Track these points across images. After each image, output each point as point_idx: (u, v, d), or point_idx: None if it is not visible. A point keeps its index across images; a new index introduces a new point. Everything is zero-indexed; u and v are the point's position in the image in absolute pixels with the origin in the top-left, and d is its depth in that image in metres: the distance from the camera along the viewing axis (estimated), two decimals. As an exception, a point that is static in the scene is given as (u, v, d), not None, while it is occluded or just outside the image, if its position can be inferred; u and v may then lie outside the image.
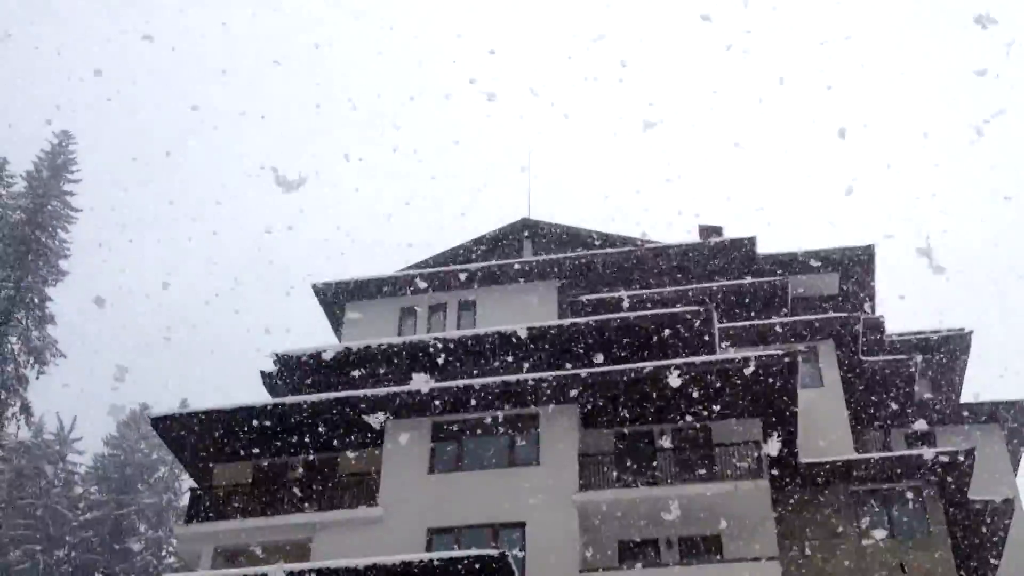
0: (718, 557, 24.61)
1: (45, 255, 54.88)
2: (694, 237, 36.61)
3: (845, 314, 32.32)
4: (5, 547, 52.73)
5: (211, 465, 28.83)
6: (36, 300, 54.32)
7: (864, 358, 32.21)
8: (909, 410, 32.62)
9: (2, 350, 52.65)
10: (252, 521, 26.63)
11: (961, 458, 26.70)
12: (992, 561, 28.75)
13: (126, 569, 53.23)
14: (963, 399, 35.06)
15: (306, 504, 26.82)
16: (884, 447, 31.52)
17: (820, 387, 30.62)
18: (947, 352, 35.52)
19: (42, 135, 57.38)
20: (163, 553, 54.94)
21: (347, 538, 25.32)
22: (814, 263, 35.27)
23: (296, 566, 22.40)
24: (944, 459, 26.85)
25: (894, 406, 32.44)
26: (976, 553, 28.23)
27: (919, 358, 33.16)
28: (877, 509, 27.05)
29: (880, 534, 26.49)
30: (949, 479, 26.94)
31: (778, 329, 31.50)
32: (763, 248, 35.39)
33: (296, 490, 27.22)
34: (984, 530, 27.88)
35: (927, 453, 27.35)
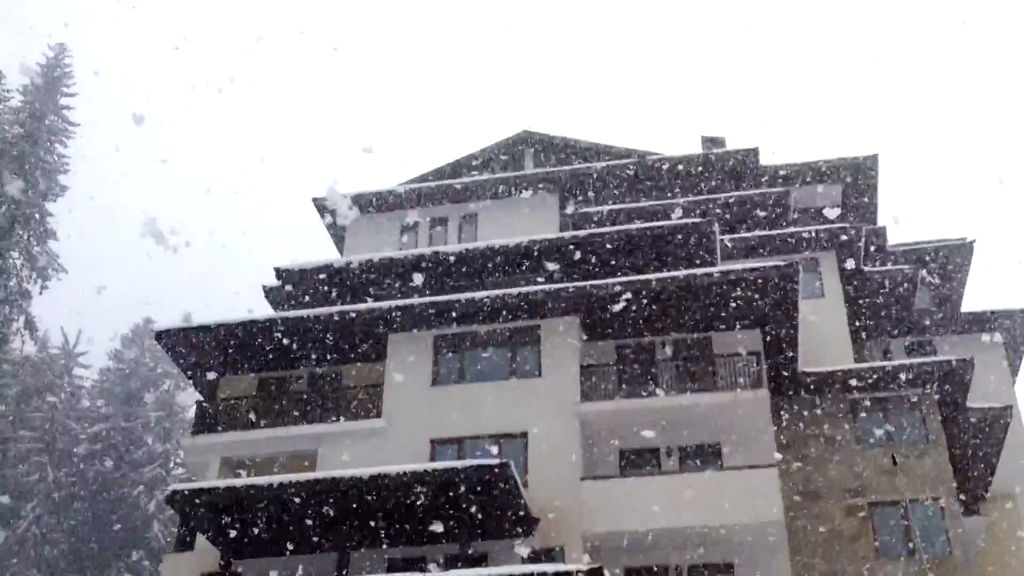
0: (718, 465, 24.94)
1: (45, 169, 54.66)
2: (697, 149, 36.41)
3: (847, 225, 32.28)
4: (13, 461, 53.48)
5: (216, 378, 29.07)
6: (37, 215, 54.28)
7: (866, 268, 32.27)
8: (909, 320, 32.79)
9: (4, 265, 52.75)
10: (258, 433, 26.95)
11: (959, 367, 26.91)
12: (988, 468, 29.17)
13: (135, 480, 54.02)
14: (964, 308, 35.18)
15: (311, 416, 27.10)
16: (884, 357, 31.74)
17: (821, 298, 30.74)
18: (949, 262, 35.54)
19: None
20: (171, 465, 55.72)
21: (352, 449, 25.63)
22: (817, 174, 35.11)
23: (302, 476, 22.70)
24: (942, 368, 27.07)
25: (895, 316, 32.58)
26: (973, 460, 28.61)
27: (921, 268, 33.22)
28: (875, 418, 27.35)
29: (878, 442, 26.86)
30: (947, 388, 27.19)
31: (779, 240, 31.50)
32: (766, 159, 35.21)
33: (301, 402, 27.50)
34: (981, 437, 28.23)
35: (926, 362, 27.57)
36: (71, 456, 55.13)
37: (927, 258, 35.34)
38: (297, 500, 22.46)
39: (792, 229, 32.06)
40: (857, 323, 31.83)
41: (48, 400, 56.18)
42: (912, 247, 35.73)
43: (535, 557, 23.10)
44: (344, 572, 22.74)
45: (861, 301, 32.00)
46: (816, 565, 25.23)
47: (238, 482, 23.16)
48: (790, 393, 27.38)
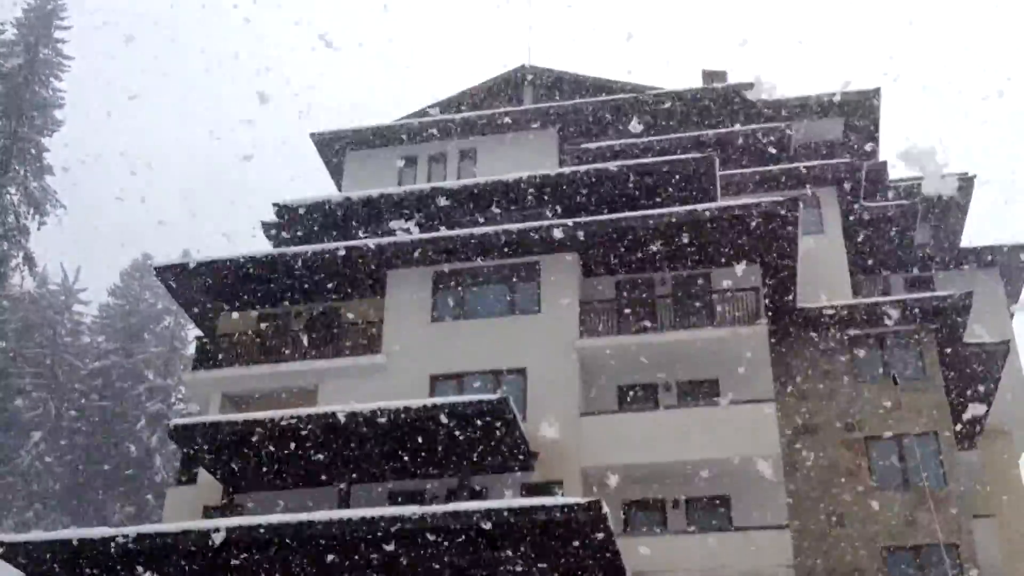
0: (715, 400, 25.09)
1: (40, 104, 54.27)
2: (698, 84, 36.09)
3: (848, 160, 32.14)
4: (15, 396, 53.79)
5: (216, 314, 29.14)
6: (33, 150, 54.00)
7: (866, 204, 32.19)
8: (909, 256, 32.78)
9: (2, 201, 52.61)
10: (258, 368, 27.06)
11: (957, 302, 26.97)
12: (985, 403, 29.36)
13: (137, 416, 54.39)
14: (964, 244, 35.16)
15: (311, 352, 27.19)
16: (883, 293, 31.77)
17: (821, 233, 30.70)
18: (949, 197, 35.40)
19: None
20: (172, 400, 56.07)
21: (352, 385, 25.75)
22: (818, 108, 34.84)
23: (302, 411, 22.84)
24: (940, 303, 27.13)
25: (894, 252, 32.57)
26: (970, 395, 28.80)
27: (920, 204, 33.13)
28: (873, 353, 27.46)
29: (875, 377, 27.02)
30: (945, 323, 27.27)
31: (780, 176, 31.37)
32: (768, 94, 34.89)
33: (301, 338, 27.58)
34: (978, 372, 28.39)
35: (923, 297, 27.63)
36: (72, 391, 55.45)
37: (927, 193, 35.18)
38: (298, 435, 22.63)
39: (792, 164, 31.91)
40: (856, 259, 31.83)
41: (48, 336, 56.35)
42: (912, 182, 35.58)
43: (534, 490, 23.36)
44: (345, 505, 22.98)
45: (861, 237, 31.96)
46: (812, 498, 25.51)
47: (239, 417, 23.32)
48: (788, 329, 27.46)
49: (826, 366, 27.27)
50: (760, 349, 25.32)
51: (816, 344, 27.51)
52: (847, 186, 31.50)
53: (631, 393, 25.98)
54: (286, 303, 28.70)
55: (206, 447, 23.50)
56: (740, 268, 26.34)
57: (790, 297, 27.10)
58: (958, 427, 28.08)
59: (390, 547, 18.67)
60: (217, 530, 18.75)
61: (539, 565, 18.26)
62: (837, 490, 25.61)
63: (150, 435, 53.45)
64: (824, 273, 29.46)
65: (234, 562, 19.13)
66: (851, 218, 31.80)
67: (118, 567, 19.47)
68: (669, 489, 24.17)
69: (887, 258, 32.70)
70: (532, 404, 24.83)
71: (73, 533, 19.57)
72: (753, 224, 25.72)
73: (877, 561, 24.66)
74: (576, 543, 18.76)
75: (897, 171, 35.13)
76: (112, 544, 19.03)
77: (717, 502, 24.17)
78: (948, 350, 27.58)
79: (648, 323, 26.01)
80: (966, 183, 35.31)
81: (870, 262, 32.42)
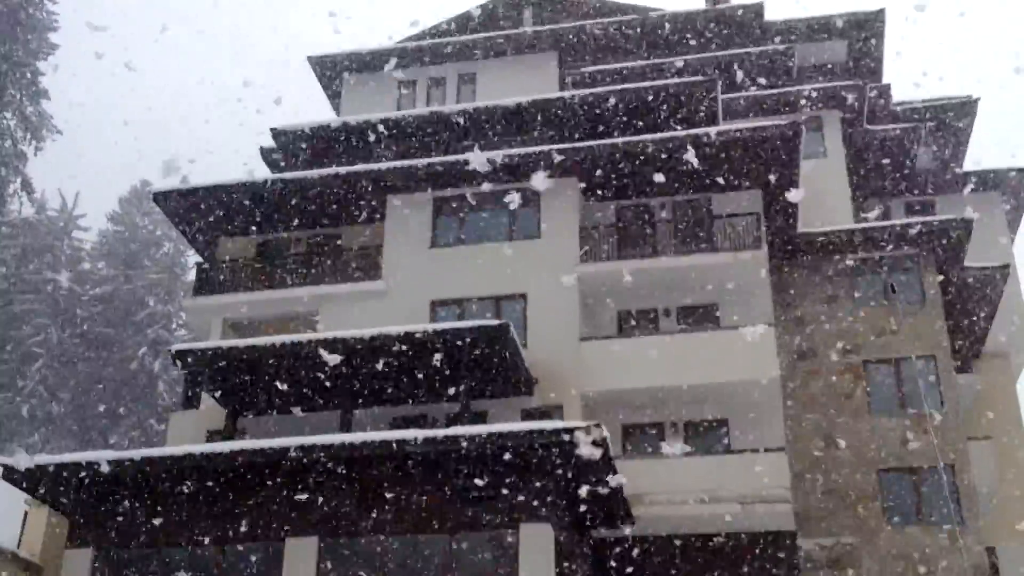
0: (715, 325, 25.16)
1: (34, 27, 53.53)
2: (700, 6, 35.60)
3: (851, 83, 31.81)
4: (17, 322, 53.95)
5: (215, 240, 29.09)
6: (28, 74, 53.41)
7: (869, 127, 31.94)
8: (911, 179, 32.62)
9: (-2, 126, 52.24)
10: (258, 294, 27.09)
11: (958, 226, 26.90)
12: (984, 326, 29.46)
13: (139, 342, 54.62)
14: (966, 168, 34.96)
15: (311, 278, 27.20)
16: (884, 217, 31.68)
17: (823, 157, 30.53)
18: (952, 120, 35.14)
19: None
20: (173, 326, 56.23)
21: (352, 311, 25.82)
22: (822, 30, 34.38)
23: (303, 336, 22.92)
24: (941, 227, 27.07)
25: (896, 176, 32.41)
26: (969, 319, 28.89)
27: (923, 127, 32.87)
28: (873, 277, 27.48)
29: (875, 301, 27.07)
30: (945, 247, 27.24)
31: (782, 99, 31.09)
32: (771, 15, 34.44)
33: (300, 264, 27.57)
34: (977, 296, 28.43)
35: (924, 221, 27.56)
36: (73, 318, 55.58)
37: (931, 115, 34.91)
38: (299, 360, 22.73)
39: (795, 87, 31.60)
40: (858, 183, 31.68)
41: (48, 262, 56.35)
42: (916, 105, 35.27)
43: (534, 415, 23.54)
44: (347, 430, 23.18)
45: (863, 161, 31.78)
46: (810, 421, 25.74)
47: (241, 342, 23.41)
48: (789, 254, 27.45)
49: (826, 290, 27.31)
50: (760, 274, 25.31)
51: (816, 268, 27.52)
52: (850, 109, 31.23)
53: (631, 318, 26.04)
54: (285, 229, 28.62)
55: (208, 372, 23.63)
56: (741, 193, 26.23)
57: (791, 222, 27.02)
58: (956, 353, 28.23)
59: (392, 471, 18.86)
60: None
61: (539, 490, 18.44)
62: (835, 413, 25.82)
63: (152, 361, 53.73)
64: (826, 197, 29.34)
65: (237, 485, 19.34)
66: (854, 142, 31.57)
67: (122, 491, 19.69)
68: (668, 413, 24.34)
69: (889, 182, 32.55)
70: (532, 329, 24.90)
71: (78, 456, 19.76)
72: (755, 148, 25.53)
73: (873, 483, 24.95)
74: (576, 466, 18.93)
75: (902, 92, 34.83)
76: (116, 467, 19.22)
77: (715, 425, 24.36)
78: (948, 274, 27.58)
79: (648, 249, 25.96)
80: (969, 106, 35.00)
81: (873, 184, 32.27)
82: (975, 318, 29.03)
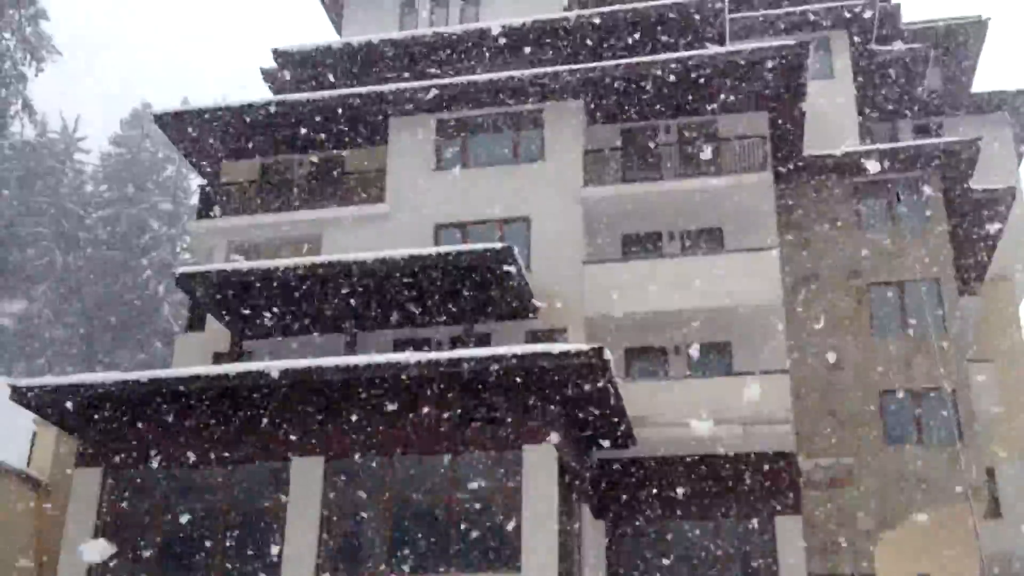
0: (719, 248, 25.12)
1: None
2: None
3: (860, 1, 31.31)
4: (22, 245, 54.02)
5: (218, 163, 28.95)
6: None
7: (877, 48, 31.53)
8: (919, 101, 32.31)
9: (-3, 47, 51.72)
10: (262, 217, 27.04)
11: (964, 148, 26.70)
12: (988, 249, 29.42)
13: (144, 265, 54.73)
14: (975, 89, 34.61)
15: (314, 201, 27.12)
16: (891, 139, 31.46)
17: (830, 79, 30.17)
18: (961, 41, 34.69)
19: None
20: (177, 250, 56.33)
21: (356, 234, 25.80)
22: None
23: (307, 259, 22.93)
24: (947, 149, 26.88)
25: (904, 97, 32.09)
26: (973, 241, 28.84)
27: (932, 48, 32.46)
28: (878, 200, 27.38)
29: (880, 224, 27.01)
30: (951, 169, 27.07)
31: (790, 19, 30.66)
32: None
33: (304, 187, 27.48)
34: (983, 218, 28.34)
35: (931, 143, 27.36)
36: (78, 241, 55.65)
37: (940, 36, 34.45)
38: (304, 283, 22.79)
39: (803, 7, 31.13)
40: (865, 104, 31.38)
41: (51, 185, 56.22)
42: (925, 25, 34.78)
43: (537, 338, 23.64)
44: (352, 352, 23.31)
45: (871, 82, 31.43)
46: (812, 344, 25.83)
47: (245, 265, 23.43)
48: (794, 176, 27.30)
49: (831, 213, 27.22)
50: (765, 197, 25.21)
51: (821, 191, 27.40)
52: (859, 29, 30.79)
53: (635, 242, 26.01)
54: (288, 152, 28.46)
55: (213, 295, 23.70)
56: (747, 115, 26.00)
57: (797, 144, 26.82)
58: (960, 276, 28.23)
59: (396, 393, 19.01)
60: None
61: (543, 412, 18.59)
62: (838, 336, 25.91)
63: (157, 284, 53.92)
64: (832, 119, 29.10)
65: (244, 406, 19.51)
66: (861, 63, 31.20)
67: (129, 411, 19.88)
68: (671, 336, 24.42)
69: (897, 103, 32.25)
70: (536, 253, 24.89)
71: (84, 378, 19.91)
72: (761, 69, 25.22)
73: (875, 405, 25.13)
74: (579, 389, 19.07)
75: (911, 12, 34.30)
76: (123, 389, 19.38)
77: (718, 348, 24.46)
78: (953, 196, 27.47)
79: (653, 172, 25.82)
80: (979, 27, 34.53)
81: (880, 105, 31.97)
82: (980, 241, 28.97)
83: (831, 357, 25.66)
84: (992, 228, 28.67)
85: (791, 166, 27.14)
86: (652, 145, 26.49)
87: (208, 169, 29.65)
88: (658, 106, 26.38)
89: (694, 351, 23.75)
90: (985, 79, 46.91)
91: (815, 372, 25.55)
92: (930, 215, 26.86)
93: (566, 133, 26.12)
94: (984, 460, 25.31)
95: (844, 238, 26.90)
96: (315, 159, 28.32)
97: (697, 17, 27.76)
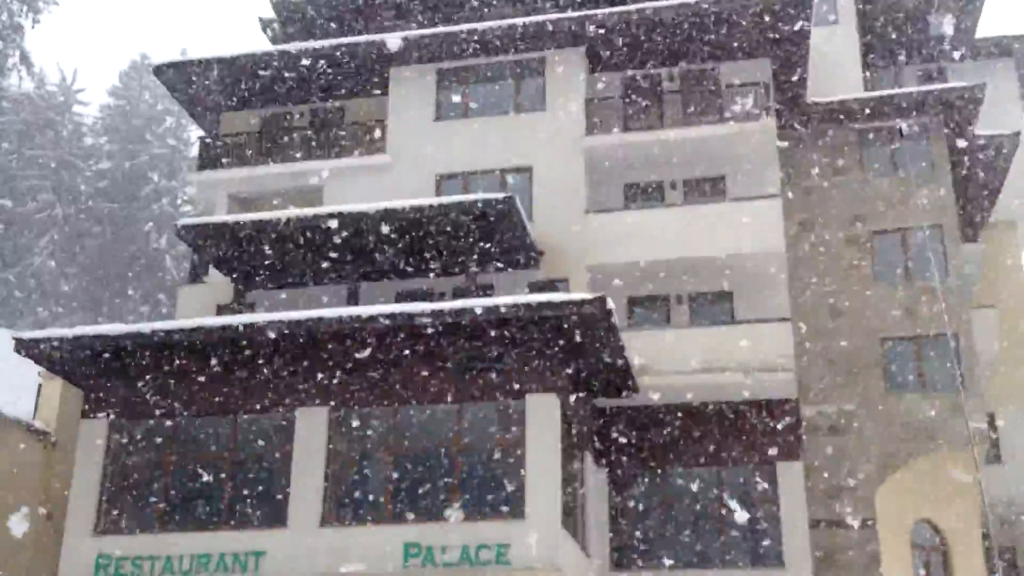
0: (722, 197, 25.05)
1: None
2: None
3: (863, -55, 30.95)
4: (22, 198, 53.93)
5: (218, 114, 28.81)
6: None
7: (881, -8, 31.20)
8: (923, 46, 32.01)
9: (-8, -1, 51.28)
10: (263, 169, 26.96)
11: (968, 93, 26.51)
12: (991, 196, 29.34)
13: (145, 218, 54.67)
14: (979, 35, 34.24)
15: (315, 152, 27.01)
16: (895, 85, 31.21)
17: (834, 24, 29.89)
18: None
19: None
20: (178, 202, 56.23)
21: (358, 185, 25.73)
22: None
23: (309, 211, 22.90)
24: (951, 95, 26.70)
25: (908, 42, 31.78)
26: (976, 187, 28.74)
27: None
28: (882, 147, 27.25)
29: (883, 171, 26.91)
30: (955, 115, 26.90)
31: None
32: None
33: (304, 139, 27.35)
34: (986, 165, 28.22)
35: (934, 89, 27.16)
36: (78, 194, 55.55)
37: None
38: (306, 235, 22.77)
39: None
40: (869, 50, 31.09)
41: (51, 137, 56.00)
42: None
43: (540, 288, 23.65)
44: (354, 303, 23.36)
45: (874, 27, 31.12)
46: (814, 292, 25.84)
47: (247, 216, 23.41)
48: (797, 124, 27.14)
49: (833, 161, 27.11)
50: (767, 145, 25.06)
51: (825, 138, 27.26)
52: (862, -28, 30.46)
53: (637, 191, 25.93)
54: (288, 103, 28.31)
55: (215, 247, 23.70)
56: (749, 62, 25.81)
57: (800, 91, 26.64)
58: (963, 222, 28.17)
59: (399, 343, 19.07)
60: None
61: (546, 360, 18.67)
62: (840, 284, 25.93)
63: (159, 236, 53.91)
64: (836, 65, 28.88)
65: (248, 357, 19.59)
66: (865, 7, 30.87)
67: (134, 363, 19.97)
68: (673, 285, 24.42)
69: (901, 49, 31.94)
70: (538, 203, 24.83)
71: (88, 329, 19.98)
72: (763, 15, 24.97)
73: (877, 352, 25.19)
74: (582, 338, 19.13)
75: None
76: (128, 340, 19.46)
77: (720, 297, 24.48)
78: (957, 143, 27.32)
79: (655, 120, 25.67)
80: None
81: (884, 51, 31.68)
82: (983, 187, 28.87)
83: (833, 305, 25.69)
84: (996, 174, 28.57)
85: (794, 113, 26.97)
86: (654, 93, 26.31)
87: (208, 120, 29.51)
88: (660, 53, 26.16)
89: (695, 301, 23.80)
90: (990, 24, 46.49)
91: (817, 320, 25.59)
92: (934, 161, 26.73)
93: (568, 82, 25.95)
94: (986, 405, 25.43)
95: (847, 185, 26.80)
96: (315, 110, 28.17)
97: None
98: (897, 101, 26.84)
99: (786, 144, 26.57)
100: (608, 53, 26.21)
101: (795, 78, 26.24)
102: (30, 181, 54.12)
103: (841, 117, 27.11)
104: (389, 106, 26.88)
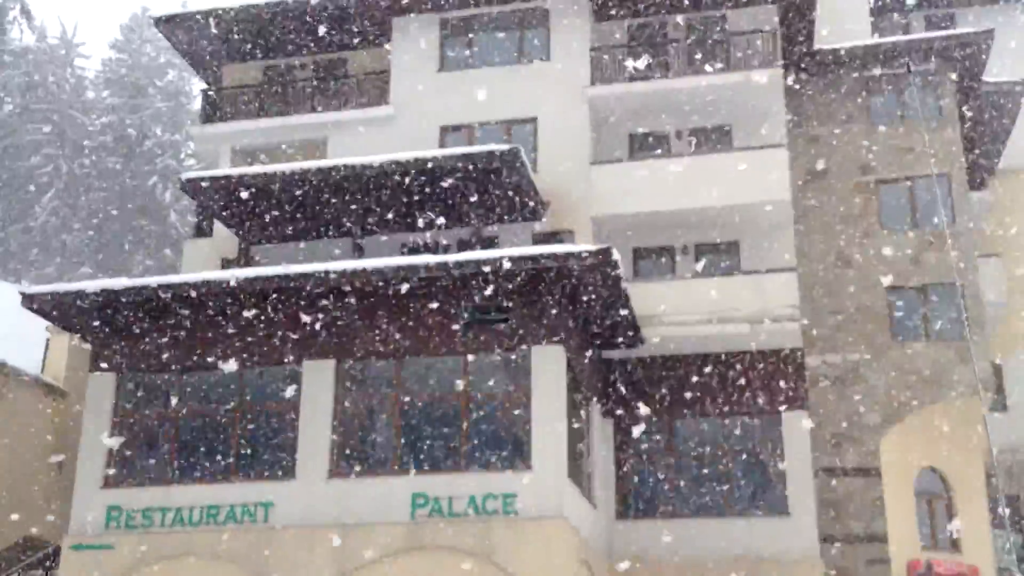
0: (728, 146, 24.89)
1: None
2: None
3: None
4: (25, 153, 53.80)
5: (220, 67, 28.63)
6: None
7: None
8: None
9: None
10: (266, 121, 26.84)
11: (977, 39, 26.26)
12: (999, 143, 29.17)
13: (148, 172, 54.53)
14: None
15: (319, 104, 26.87)
16: (904, 31, 30.90)
17: (842, -31, 29.55)
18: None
19: None
20: (182, 156, 56.04)
21: (361, 137, 25.62)
22: None
23: (313, 163, 22.80)
24: (960, 41, 26.45)
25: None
26: (985, 135, 28.56)
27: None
28: (889, 94, 27.03)
29: (890, 119, 26.72)
30: (964, 61, 26.67)
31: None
32: None
33: (307, 90, 27.19)
34: (995, 112, 28.04)
35: (943, 35, 26.89)
36: (82, 148, 55.38)
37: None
38: (310, 187, 22.70)
39: None
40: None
41: (53, 91, 55.73)
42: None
43: (544, 239, 23.61)
44: (359, 256, 23.35)
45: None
46: (820, 241, 25.79)
47: (251, 170, 23.32)
48: (805, 71, 26.92)
49: (841, 109, 26.91)
50: (774, 94, 24.84)
51: (832, 86, 27.04)
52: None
53: (643, 141, 25.78)
54: (290, 55, 28.12)
55: (220, 201, 23.64)
56: (756, 9, 25.54)
57: (807, 38, 26.37)
58: (970, 170, 28.01)
59: (405, 296, 19.08)
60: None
61: (551, 312, 18.67)
62: (846, 233, 25.86)
63: (163, 191, 53.80)
64: (843, 11, 28.64)
65: (252, 311, 19.61)
66: (873, -47, 30.52)
67: (141, 317, 20.01)
68: (679, 236, 24.37)
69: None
70: (543, 154, 24.71)
71: (95, 284, 19.97)
72: (770, -39, 24.68)
73: (882, 301, 25.18)
74: (587, 289, 19.12)
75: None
76: (134, 294, 19.48)
77: (726, 248, 24.43)
78: (966, 90, 27.10)
79: (661, 69, 25.45)
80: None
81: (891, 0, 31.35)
82: (992, 134, 28.68)
83: (839, 254, 25.64)
84: (1004, 121, 28.37)
85: (802, 61, 26.74)
86: (660, 42, 26.06)
87: (210, 73, 29.33)
88: (666, 1, 25.86)
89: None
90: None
91: (823, 269, 25.56)
92: (942, 108, 26.53)
93: (572, 31, 25.71)
94: (991, 353, 25.46)
95: (854, 134, 26.63)
96: (318, 62, 27.97)
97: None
98: (905, 48, 26.58)
99: (793, 93, 26.39)
100: (613, 1, 25.92)
101: (802, 25, 25.96)
102: (33, 136, 53.97)
103: (848, 65, 26.86)
104: (392, 57, 26.69)
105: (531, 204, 23.42)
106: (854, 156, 26.46)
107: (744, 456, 22.43)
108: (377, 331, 19.20)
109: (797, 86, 26.76)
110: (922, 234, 25.46)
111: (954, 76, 26.74)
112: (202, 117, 27.98)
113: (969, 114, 27.51)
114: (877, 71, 26.83)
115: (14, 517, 23.34)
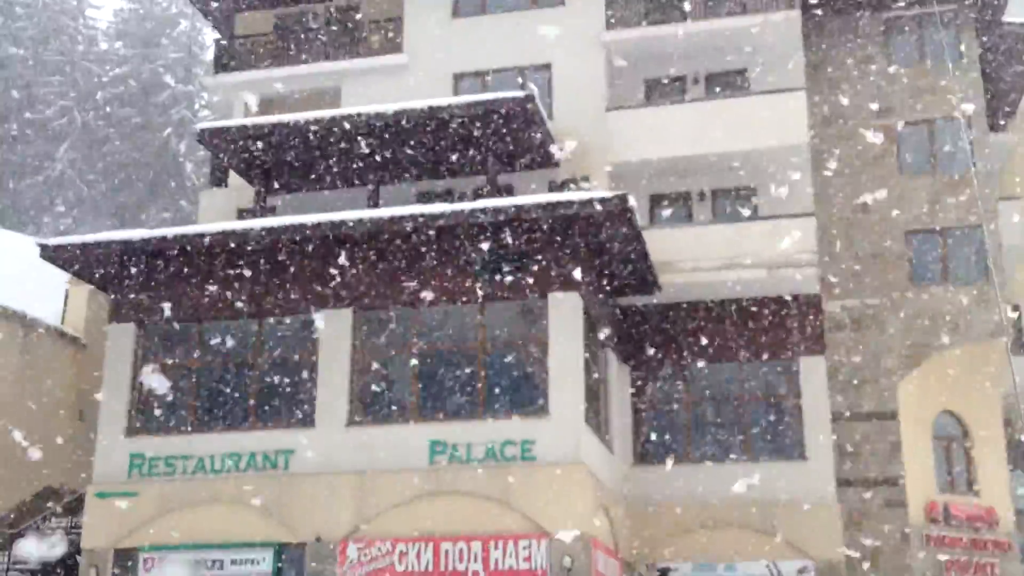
0: (745, 91, 24.64)
1: None
2: None
3: None
4: (39, 105, 53.76)
5: (232, 16, 28.44)
6: None
7: None
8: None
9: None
10: (280, 71, 26.69)
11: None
12: (1020, 84, 28.78)
13: (163, 123, 54.47)
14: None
15: (332, 53, 26.67)
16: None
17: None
18: None
19: None
20: (196, 107, 55.89)
21: (375, 86, 25.46)
22: None
23: (327, 112, 22.68)
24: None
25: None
26: (1005, 77, 28.18)
27: None
28: (909, 36, 26.67)
29: (910, 61, 26.38)
30: (985, 2, 26.25)
31: None
32: None
33: (320, 39, 27.00)
34: (1016, 54, 27.62)
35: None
36: (96, 100, 55.30)
37: None
38: (324, 137, 22.61)
39: None
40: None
41: (65, 43, 55.56)
42: None
43: (560, 186, 23.52)
44: (375, 205, 23.31)
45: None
46: (838, 186, 25.59)
47: (266, 119, 23.19)
48: (821, 14, 26.54)
49: (859, 52, 26.56)
50: (791, 37, 24.53)
51: (850, 29, 26.68)
52: None
53: (659, 87, 25.53)
54: (303, 2, 27.88)
55: (235, 151, 23.56)
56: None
57: (825, -20, 26.01)
58: (990, 112, 27.69)
59: (421, 244, 19.08)
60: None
61: (567, 259, 18.64)
62: (864, 177, 25.65)
63: (178, 141, 53.77)
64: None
65: (271, 260, 19.67)
66: None
67: (160, 267, 20.10)
68: (695, 182, 24.23)
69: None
70: (558, 100, 24.55)
71: (112, 235, 20.06)
72: (788, -99, 24.25)
73: (901, 245, 25.06)
74: (603, 236, 19.07)
75: None
76: (152, 244, 19.55)
77: (743, 193, 24.29)
78: (985, 31, 26.71)
79: (677, 13, 25.10)
80: None
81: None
82: (1012, 77, 28.30)
83: (857, 198, 25.45)
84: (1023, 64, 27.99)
85: (819, 2, 26.34)
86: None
87: (222, 22, 29.14)
88: (681, -57, 25.50)
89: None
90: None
91: (841, 214, 25.41)
92: (962, 51, 26.16)
93: (587, -26, 25.38)
94: (1011, 296, 25.35)
95: (873, 76, 26.31)
96: (330, 9, 27.74)
97: None
98: (924, -12, 26.18)
99: (810, 35, 26.06)
100: (628, -56, 25.57)
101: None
102: (48, 88, 53.91)
103: (866, 5, 26.47)
104: (404, 3, 26.44)
105: (547, 151, 23.27)
106: (873, 99, 26.15)
107: (761, 401, 22.47)
108: (394, 279, 19.24)
109: (814, 27, 26.40)
110: (942, 177, 25.24)
111: (973, 14, 26.34)
112: (215, 67, 27.83)
113: (990, 56, 27.13)
114: (896, 11, 26.43)
115: (36, 466, 23.61)
